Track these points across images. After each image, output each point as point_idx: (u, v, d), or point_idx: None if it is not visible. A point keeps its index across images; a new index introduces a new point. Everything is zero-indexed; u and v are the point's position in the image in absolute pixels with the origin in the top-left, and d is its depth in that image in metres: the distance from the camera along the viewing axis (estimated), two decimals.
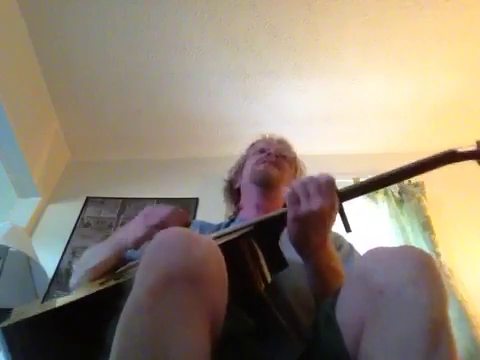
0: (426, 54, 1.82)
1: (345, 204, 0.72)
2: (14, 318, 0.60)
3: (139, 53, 1.91)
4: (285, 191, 0.71)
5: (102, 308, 0.57)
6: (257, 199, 1.03)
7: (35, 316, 0.56)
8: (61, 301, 0.69)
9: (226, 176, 1.20)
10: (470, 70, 1.88)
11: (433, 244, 1.74)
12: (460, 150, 0.71)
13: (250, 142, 1.21)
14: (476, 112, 2.07)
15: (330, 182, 0.69)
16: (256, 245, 0.64)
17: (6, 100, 1.81)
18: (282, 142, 1.17)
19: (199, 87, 2.05)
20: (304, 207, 0.67)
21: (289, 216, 0.69)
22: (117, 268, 0.81)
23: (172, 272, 0.45)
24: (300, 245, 0.70)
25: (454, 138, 2.16)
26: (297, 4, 1.66)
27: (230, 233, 0.71)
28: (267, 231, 0.69)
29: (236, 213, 1.10)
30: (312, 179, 0.70)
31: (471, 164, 0.74)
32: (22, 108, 1.97)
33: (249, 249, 0.61)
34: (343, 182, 2.23)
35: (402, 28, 1.72)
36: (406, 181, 2.02)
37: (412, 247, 0.55)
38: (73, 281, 0.85)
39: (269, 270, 0.63)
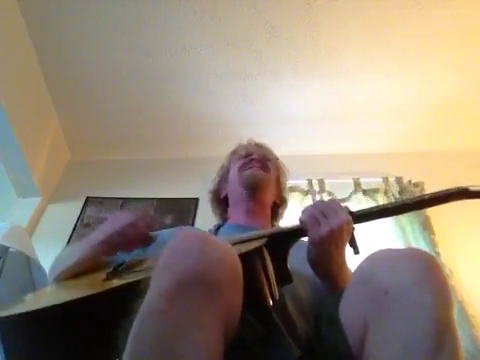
0: (426, 54, 1.82)
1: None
2: (11, 309, 0.59)
3: (139, 53, 1.91)
4: (301, 215, 0.73)
5: (104, 307, 0.56)
6: (247, 204, 1.03)
7: (34, 311, 0.55)
8: (53, 295, 0.68)
9: (211, 188, 1.20)
10: (470, 70, 1.88)
11: (433, 244, 1.74)
12: (472, 189, 0.76)
13: (230, 150, 1.22)
14: (476, 112, 2.07)
15: (337, 203, 0.73)
16: (268, 259, 0.63)
17: (6, 100, 1.81)
18: (262, 146, 1.18)
19: (199, 87, 2.05)
20: (326, 227, 0.68)
21: (312, 239, 0.69)
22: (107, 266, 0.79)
23: (187, 276, 0.45)
24: (323, 266, 0.71)
25: (454, 138, 2.18)
26: (297, 4, 1.66)
27: (242, 242, 0.70)
28: (278, 245, 0.68)
29: (225, 219, 1.10)
30: (321, 201, 0.74)
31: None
32: (22, 108, 1.97)
33: (262, 263, 0.61)
34: (343, 182, 2.22)
35: (402, 28, 1.72)
36: (406, 181, 2.03)
37: (417, 249, 0.55)
38: (49, 280, 0.83)
39: (276, 284, 0.63)
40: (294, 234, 0.72)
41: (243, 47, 1.84)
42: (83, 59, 1.98)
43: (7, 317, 0.56)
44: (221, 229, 1.01)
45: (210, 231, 1.01)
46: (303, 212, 0.73)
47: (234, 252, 0.52)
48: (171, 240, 0.51)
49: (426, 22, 1.69)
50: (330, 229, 0.67)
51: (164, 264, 0.48)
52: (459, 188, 0.76)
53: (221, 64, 1.93)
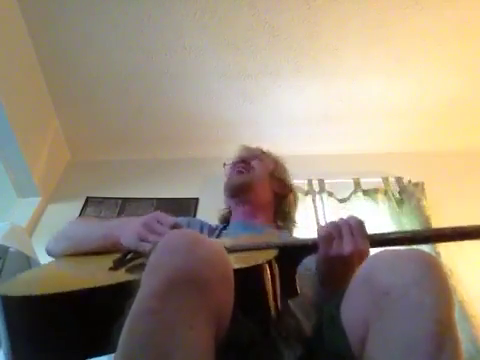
0: (426, 54, 1.82)
1: None
2: (14, 289, 0.59)
3: (139, 53, 1.91)
4: (319, 229, 0.72)
5: (110, 300, 0.57)
6: (240, 209, 1.05)
7: (42, 295, 0.55)
8: (59, 282, 0.68)
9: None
10: (470, 70, 1.88)
11: (433, 244, 1.74)
12: None
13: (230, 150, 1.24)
14: (476, 112, 2.07)
15: (362, 226, 0.70)
16: (277, 271, 0.62)
17: (6, 100, 1.81)
18: (245, 148, 1.19)
19: (199, 87, 2.05)
20: (336, 250, 0.68)
21: (320, 255, 0.70)
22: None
23: (177, 275, 0.46)
24: (326, 283, 0.72)
25: (454, 138, 2.18)
26: (297, 4, 1.66)
27: (251, 249, 0.68)
28: (288, 257, 0.67)
29: (227, 216, 1.11)
30: (346, 222, 0.71)
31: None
32: (22, 108, 1.97)
33: (271, 277, 0.60)
34: (343, 182, 2.22)
35: (402, 28, 1.72)
36: (406, 181, 2.03)
37: (418, 249, 0.55)
38: (52, 246, 0.84)
39: (281, 297, 0.62)
40: (306, 248, 0.71)
41: (243, 47, 1.84)
42: (83, 59, 1.98)
43: (14, 297, 0.56)
44: (226, 228, 1.02)
45: (218, 227, 1.02)
46: (322, 227, 0.72)
47: (224, 250, 0.52)
48: (160, 239, 0.52)
49: (426, 22, 1.69)
50: (339, 254, 0.67)
51: (154, 263, 0.49)
52: None
53: (221, 64, 1.93)
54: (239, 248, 0.68)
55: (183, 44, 1.85)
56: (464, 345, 1.44)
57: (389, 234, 0.73)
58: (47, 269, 0.79)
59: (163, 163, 2.41)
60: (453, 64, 1.85)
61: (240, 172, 1.07)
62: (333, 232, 0.69)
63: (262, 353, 0.57)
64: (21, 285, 0.63)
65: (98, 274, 0.68)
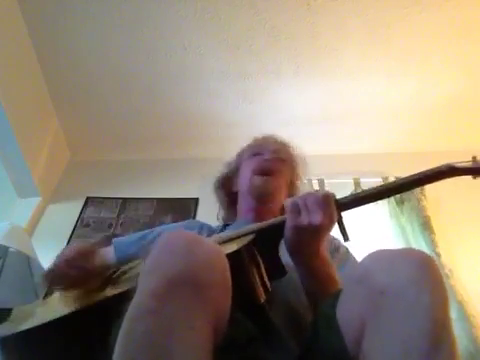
0: (426, 54, 1.82)
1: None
2: (11, 327, 0.60)
3: (139, 53, 1.91)
4: (285, 201, 0.72)
5: (102, 317, 0.57)
6: (255, 206, 1.02)
7: (32, 328, 0.56)
8: (57, 306, 0.69)
9: (218, 176, 1.18)
10: (470, 70, 1.88)
11: (433, 244, 1.74)
12: (458, 166, 0.74)
13: (244, 144, 1.16)
14: (476, 112, 2.07)
15: (330, 197, 0.71)
16: (258, 254, 0.64)
17: (6, 100, 1.81)
18: (278, 142, 1.12)
19: (199, 87, 2.05)
20: (304, 219, 0.68)
21: (288, 224, 0.70)
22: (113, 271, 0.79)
23: (175, 276, 0.46)
24: (294, 252, 0.72)
25: (454, 138, 2.18)
26: (297, 4, 1.66)
27: (231, 239, 0.70)
28: (268, 238, 0.69)
29: (231, 218, 1.09)
30: (312, 193, 0.72)
31: None
32: (22, 108, 1.97)
33: (252, 258, 0.61)
34: (343, 182, 2.22)
35: (402, 28, 1.72)
36: None
37: (413, 249, 0.55)
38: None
39: (269, 278, 0.63)
40: (282, 226, 0.71)
41: (243, 47, 1.84)
42: (83, 59, 1.98)
43: (8, 337, 0.56)
44: (226, 228, 1.01)
45: (218, 228, 1.01)
46: (289, 199, 0.73)
47: (222, 252, 0.52)
48: (158, 240, 0.52)
49: (426, 22, 1.69)
50: (308, 223, 0.67)
51: (152, 264, 0.48)
52: (445, 166, 0.74)
53: (221, 64, 1.93)
54: (223, 240, 0.71)
55: (183, 44, 1.85)
56: (464, 344, 1.44)
57: (358, 194, 0.76)
58: (38, 304, 0.81)
59: (163, 163, 2.41)
60: (453, 64, 1.85)
61: (272, 173, 1.01)
62: (300, 203, 0.69)
63: (259, 353, 0.57)
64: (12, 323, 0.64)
65: (89, 295, 0.68)
